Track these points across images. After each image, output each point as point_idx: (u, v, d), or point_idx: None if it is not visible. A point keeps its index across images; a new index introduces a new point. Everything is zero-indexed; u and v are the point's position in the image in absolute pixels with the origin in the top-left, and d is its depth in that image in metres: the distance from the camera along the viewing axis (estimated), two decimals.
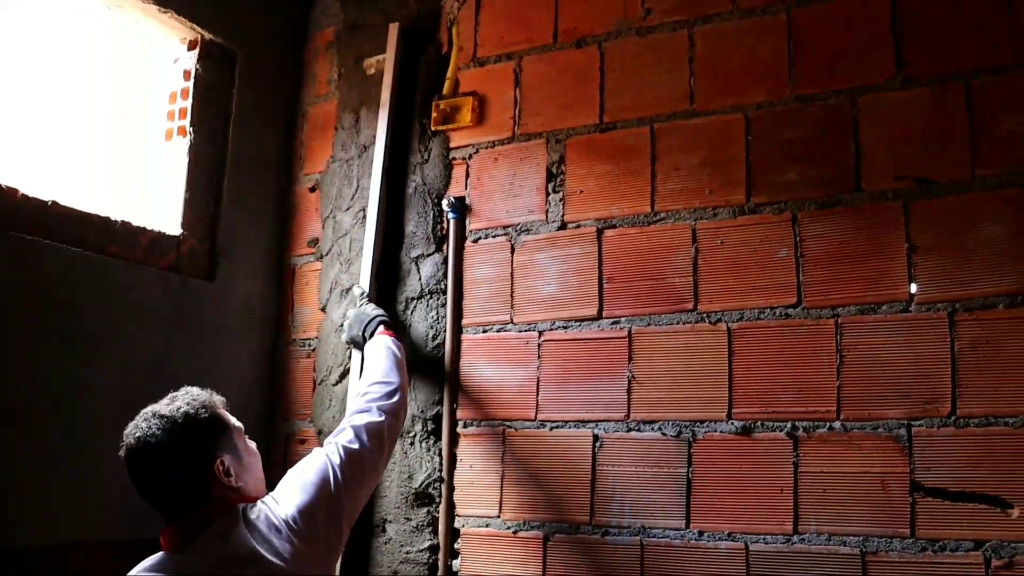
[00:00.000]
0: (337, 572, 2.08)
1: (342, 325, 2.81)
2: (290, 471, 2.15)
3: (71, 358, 2.47)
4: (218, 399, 2.12)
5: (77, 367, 2.48)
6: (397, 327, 2.70)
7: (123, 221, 2.67)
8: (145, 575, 1.90)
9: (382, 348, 2.47)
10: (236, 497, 2.02)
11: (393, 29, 2.97)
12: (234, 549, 1.92)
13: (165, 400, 2.05)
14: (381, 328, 2.57)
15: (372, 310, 2.67)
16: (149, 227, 2.76)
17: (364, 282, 2.81)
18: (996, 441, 2.09)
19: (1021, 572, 2.03)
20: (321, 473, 2.10)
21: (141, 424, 1.98)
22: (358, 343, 2.63)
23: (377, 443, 2.22)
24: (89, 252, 2.54)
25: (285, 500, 2.05)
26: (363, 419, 2.24)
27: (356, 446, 2.17)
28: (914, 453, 2.16)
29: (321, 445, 2.21)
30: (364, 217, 2.91)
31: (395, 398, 2.33)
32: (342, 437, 2.19)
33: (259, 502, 2.04)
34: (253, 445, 2.17)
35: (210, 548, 1.92)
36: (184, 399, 2.04)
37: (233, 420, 2.11)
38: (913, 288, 2.20)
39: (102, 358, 2.55)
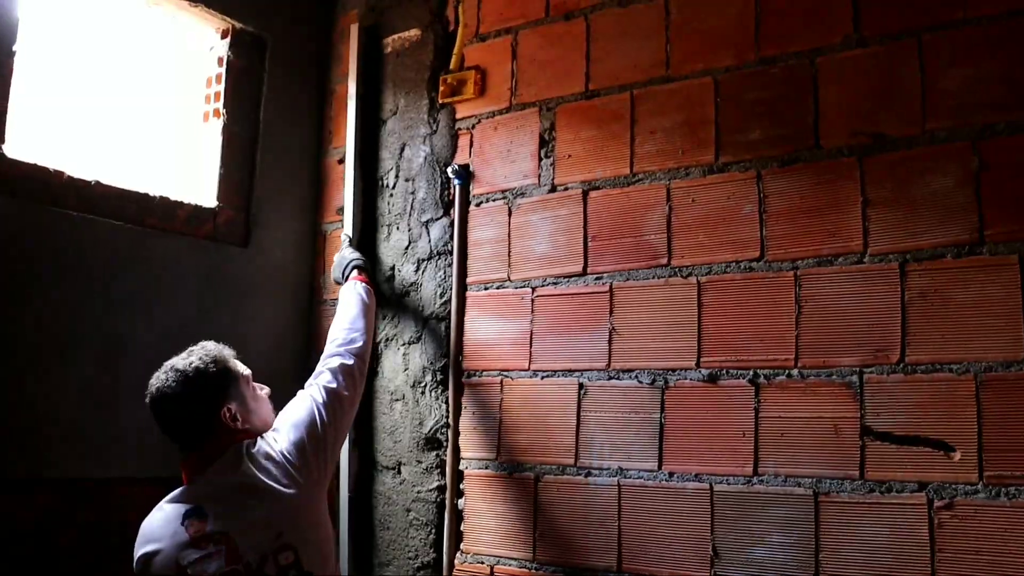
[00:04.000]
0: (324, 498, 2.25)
1: None
2: (283, 412, 2.29)
3: (113, 317, 2.61)
4: (228, 352, 2.27)
5: (120, 325, 2.62)
6: (371, 272, 2.80)
7: (161, 196, 2.78)
8: (167, 505, 2.11)
9: (352, 294, 2.59)
10: (242, 436, 2.18)
11: (354, 29, 3.12)
12: (239, 477, 2.10)
13: (183, 354, 2.21)
14: (355, 272, 2.70)
15: (350, 254, 2.80)
16: (187, 201, 2.85)
17: (348, 229, 2.93)
18: (942, 387, 2.05)
19: (961, 512, 1.99)
20: (309, 412, 2.25)
21: (160, 376, 2.16)
22: (338, 283, 2.77)
23: (351, 383, 2.36)
24: (130, 224, 2.66)
25: (281, 437, 2.20)
26: (336, 362, 2.37)
27: (334, 386, 2.31)
28: (865, 399, 2.12)
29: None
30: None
31: (361, 342, 2.45)
32: (322, 379, 2.33)
33: (259, 439, 2.19)
34: (263, 391, 2.33)
35: (218, 477, 2.11)
36: (198, 354, 2.20)
37: (242, 369, 2.26)
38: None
39: (143, 317, 2.68)
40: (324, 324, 3.10)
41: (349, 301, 2.58)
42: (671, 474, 2.35)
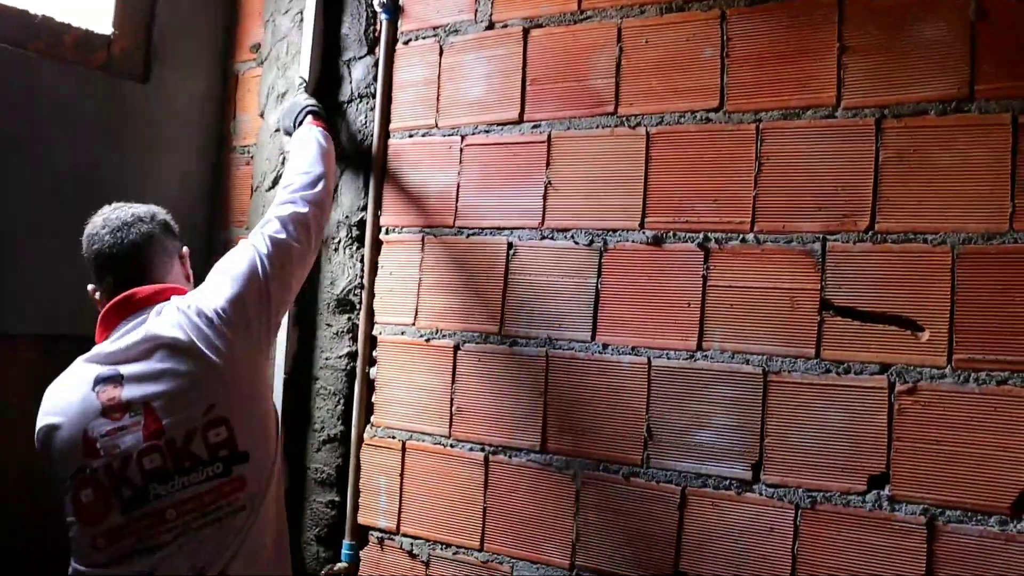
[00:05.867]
0: (269, 368, 1.86)
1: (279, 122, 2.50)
2: (217, 264, 1.90)
3: None
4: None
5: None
6: (328, 119, 2.36)
7: (44, 15, 2.36)
8: (80, 366, 1.76)
9: (308, 138, 2.17)
10: (172, 292, 1.83)
11: None
12: (165, 337, 1.73)
13: (125, 205, 1.91)
14: (310, 118, 2.26)
15: (304, 99, 2.35)
16: (76, 24, 2.43)
17: (304, 71, 2.48)
18: (913, 259, 1.76)
19: (922, 397, 1.73)
20: (249, 263, 1.85)
21: (112, 217, 1.86)
22: (288, 132, 2.33)
23: (304, 233, 1.95)
24: (9, 46, 2.24)
25: (214, 292, 1.81)
26: (288, 210, 1.96)
27: (283, 236, 1.91)
28: (827, 269, 1.83)
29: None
30: (301, 20, 2.55)
31: (319, 187, 2.03)
32: (268, 228, 1.92)
33: (188, 295, 1.82)
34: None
35: (140, 336, 1.73)
36: (138, 205, 1.92)
37: None
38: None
39: (29, 158, 2.28)
40: (236, 174, 2.73)
41: (305, 145, 2.15)
42: (605, 346, 2.05)
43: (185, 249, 1.97)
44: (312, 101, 2.34)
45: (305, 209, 1.97)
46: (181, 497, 1.68)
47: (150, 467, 1.67)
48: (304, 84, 2.45)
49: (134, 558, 1.66)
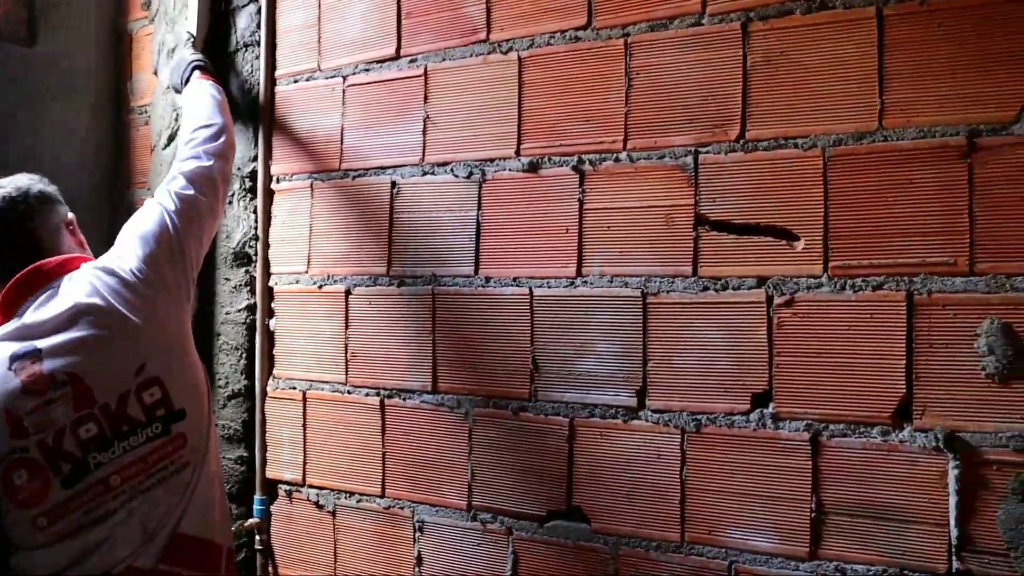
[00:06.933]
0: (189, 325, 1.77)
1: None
2: (126, 226, 1.81)
3: None
4: None
5: None
6: (216, 74, 2.26)
7: None
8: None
9: (200, 92, 2.08)
10: (79, 259, 1.73)
11: None
12: (81, 303, 1.63)
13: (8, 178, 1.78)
14: (197, 73, 2.17)
15: (190, 55, 2.26)
16: None
17: (192, 26, 2.37)
18: (785, 166, 1.67)
19: (800, 308, 1.64)
20: (159, 222, 1.77)
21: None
22: (178, 90, 2.24)
23: (210, 187, 1.88)
24: None
25: (127, 253, 1.73)
26: (192, 165, 1.88)
27: (190, 191, 1.83)
28: (700, 183, 1.73)
29: None
30: None
31: (221, 139, 1.96)
32: (174, 184, 1.84)
33: (99, 259, 1.73)
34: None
35: (52, 306, 1.64)
36: (14, 179, 1.79)
37: None
38: None
39: None
40: (136, 134, 2.64)
41: (198, 99, 2.06)
42: (488, 279, 1.96)
43: (71, 215, 1.85)
44: (198, 56, 2.24)
45: (209, 162, 1.90)
46: (124, 461, 1.61)
47: (87, 436, 1.58)
48: (192, 39, 2.35)
49: (83, 532, 1.58)
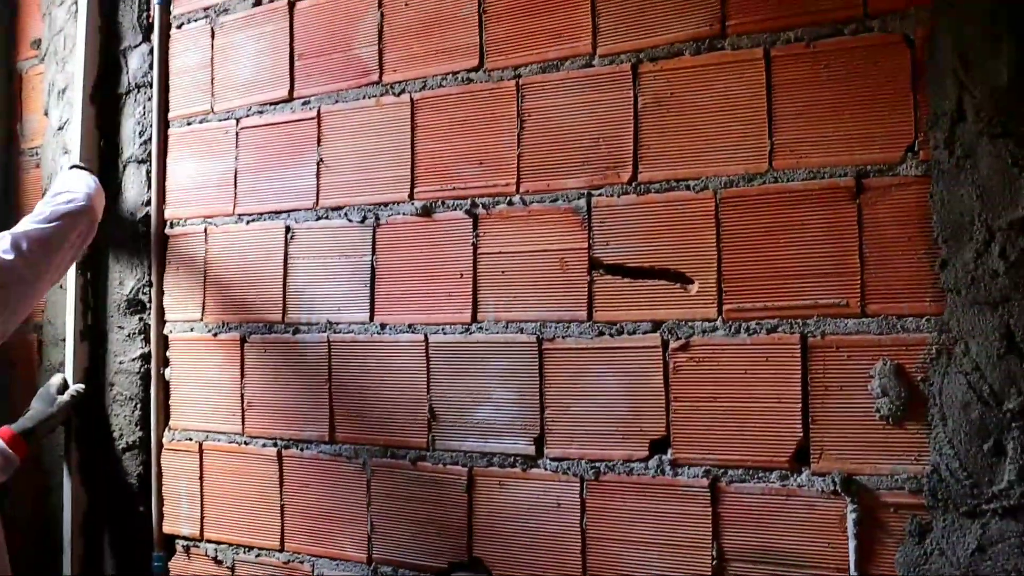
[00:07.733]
0: None
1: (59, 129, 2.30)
2: None
3: None
4: None
5: None
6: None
7: None
8: None
9: (74, 175, 2.05)
10: None
11: None
12: None
13: None
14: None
15: (67, 163, 2.22)
16: None
17: (78, 65, 2.30)
18: (678, 208, 1.62)
19: (696, 353, 1.59)
20: None
21: None
22: None
23: (40, 250, 1.79)
24: None
25: None
26: (27, 225, 1.81)
27: (10, 257, 1.74)
28: (593, 226, 1.68)
29: None
30: (76, 10, 2.35)
31: (72, 204, 1.89)
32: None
33: None
34: None
35: None
36: None
37: None
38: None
39: None
40: (26, 177, 2.52)
41: (71, 179, 2.02)
42: (383, 326, 1.89)
43: None
44: (75, 163, 2.20)
45: (44, 226, 1.82)
46: None
47: None
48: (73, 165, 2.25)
49: None
